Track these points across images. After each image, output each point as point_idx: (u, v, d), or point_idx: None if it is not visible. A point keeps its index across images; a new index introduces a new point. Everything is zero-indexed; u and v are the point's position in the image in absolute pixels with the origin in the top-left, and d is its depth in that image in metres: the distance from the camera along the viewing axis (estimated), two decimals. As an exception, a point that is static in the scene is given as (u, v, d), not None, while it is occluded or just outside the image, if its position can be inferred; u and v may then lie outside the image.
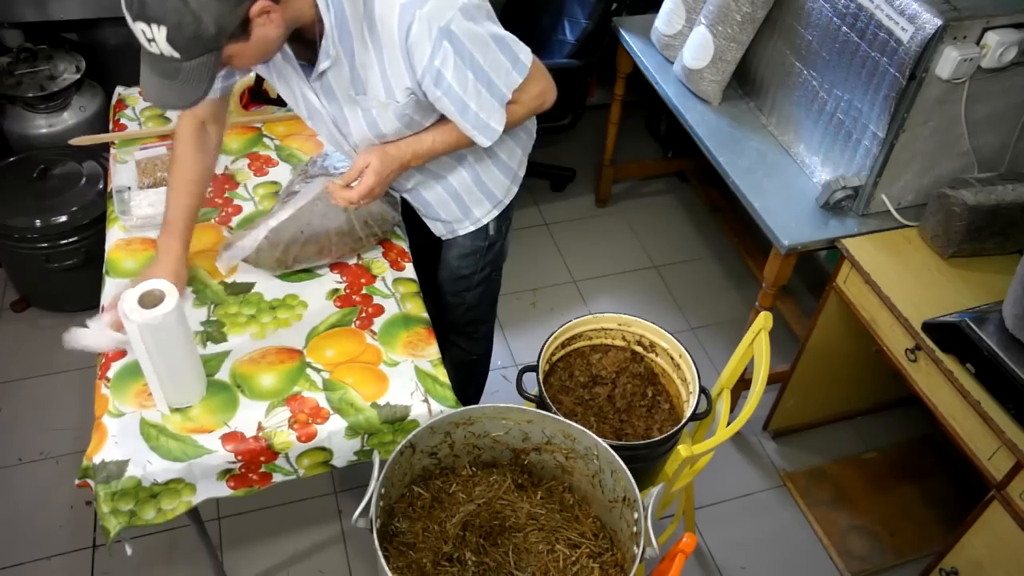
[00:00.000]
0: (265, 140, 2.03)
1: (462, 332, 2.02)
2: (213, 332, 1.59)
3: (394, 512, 1.50)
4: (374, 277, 1.73)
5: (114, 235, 1.77)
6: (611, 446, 1.45)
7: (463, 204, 1.71)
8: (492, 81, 1.40)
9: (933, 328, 1.69)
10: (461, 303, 1.92)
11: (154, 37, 1.17)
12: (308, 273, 1.71)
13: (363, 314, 1.65)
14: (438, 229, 1.79)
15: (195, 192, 1.60)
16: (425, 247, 1.90)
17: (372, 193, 1.47)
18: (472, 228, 1.76)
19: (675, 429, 1.68)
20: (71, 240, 2.42)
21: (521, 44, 1.45)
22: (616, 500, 1.47)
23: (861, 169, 1.95)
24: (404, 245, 1.81)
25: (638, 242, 3.07)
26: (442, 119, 1.50)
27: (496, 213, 1.75)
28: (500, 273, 1.94)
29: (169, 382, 1.42)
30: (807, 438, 2.46)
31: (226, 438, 1.42)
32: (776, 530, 2.24)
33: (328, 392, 1.50)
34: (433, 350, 1.60)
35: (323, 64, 1.38)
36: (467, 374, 2.14)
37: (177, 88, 1.24)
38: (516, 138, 1.69)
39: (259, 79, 1.98)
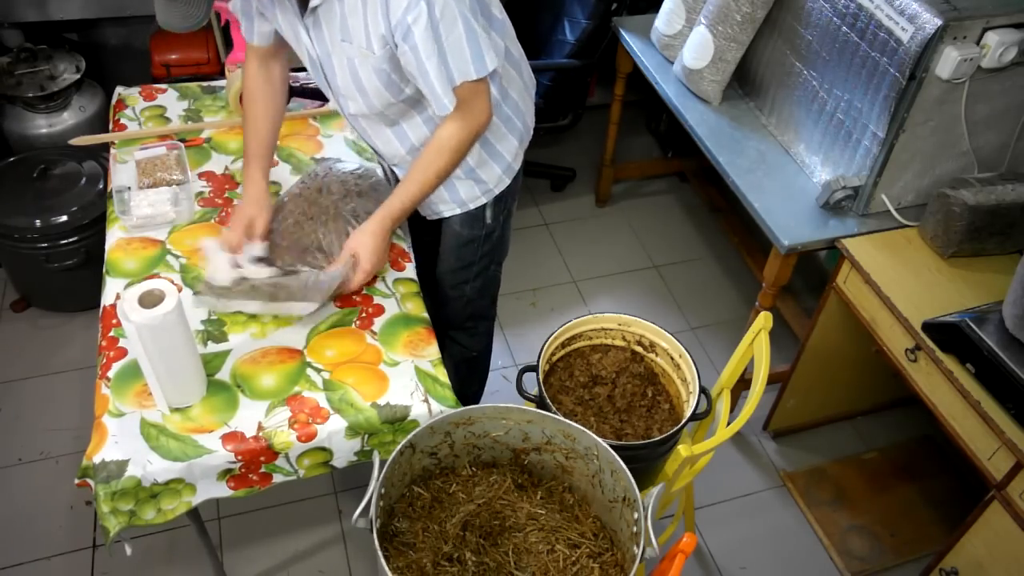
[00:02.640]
0: (265, 140, 2.02)
1: (462, 328, 2.02)
2: (213, 331, 1.59)
3: (394, 512, 1.50)
4: (375, 277, 1.73)
5: (114, 235, 1.77)
6: (611, 446, 1.45)
7: (448, 182, 1.70)
8: (447, 59, 1.42)
9: (933, 328, 1.69)
10: (460, 296, 1.92)
11: None
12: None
13: (363, 314, 1.65)
14: (423, 208, 1.79)
15: (269, 123, 1.73)
16: (426, 242, 1.90)
17: (374, 271, 1.64)
18: (459, 211, 1.76)
19: (675, 429, 1.67)
20: (71, 240, 2.42)
21: (492, 52, 1.47)
22: (616, 500, 1.47)
23: (861, 169, 1.95)
24: (404, 245, 1.82)
25: (638, 242, 3.07)
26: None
27: (484, 200, 1.74)
28: (500, 268, 1.95)
29: (169, 382, 1.42)
30: (807, 438, 2.46)
31: (226, 438, 1.42)
32: (776, 530, 2.24)
33: (328, 392, 1.50)
34: (433, 350, 1.60)
35: (314, 1, 1.42)
36: (468, 371, 2.14)
37: (180, 9, 1.37)
38: (510, 125, 1.68)
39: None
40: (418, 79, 1.46)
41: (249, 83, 1.71)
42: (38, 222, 2.37)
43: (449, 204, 1.75)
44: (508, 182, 1.75)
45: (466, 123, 1.53)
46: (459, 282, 1.90)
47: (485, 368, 2.21)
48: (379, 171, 1.88)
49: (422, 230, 1.89)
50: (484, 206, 1.76)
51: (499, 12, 1.58)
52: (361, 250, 1.60)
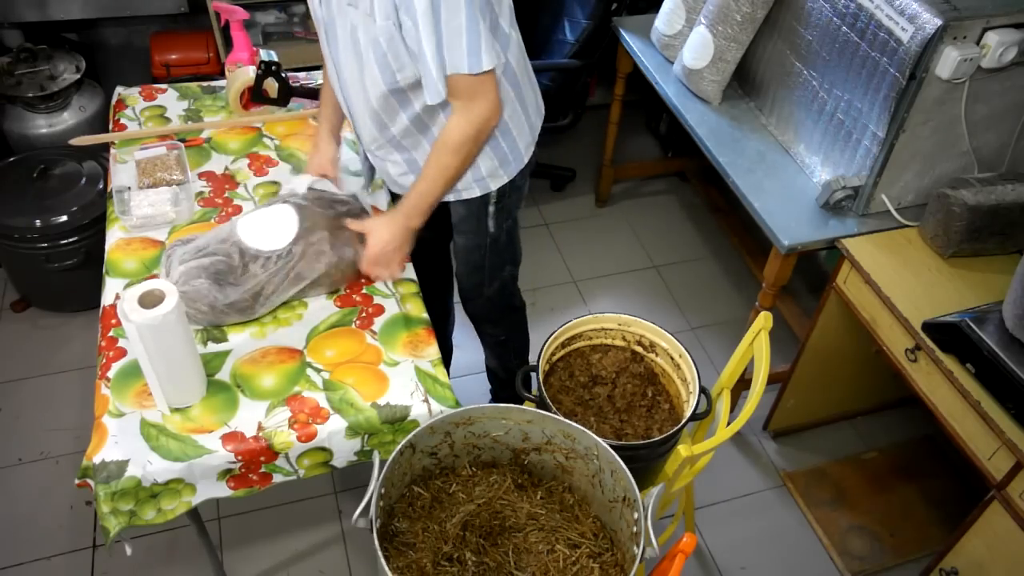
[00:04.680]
0: (265, 140, 2.03)
1: (487, 320, 2.07)
2: (213, 331, 1.59)
3: (394, 512, 1.50)
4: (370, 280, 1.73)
5: (114, 235, 1.77)
6: (611, 446, 1.45)
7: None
8: (441, 46, 1.42)
9: (933, 328, 1.69)
10: (480, 296, 1.96)
11: None
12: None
13: (363, 314, 1.65)
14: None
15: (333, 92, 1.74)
16: (425, 252, 1.92)
17: (378, 264, 1.67)
18: (451, 197, 1.74)
19: (675, 429, 1.67)
20: (71, 240, 2.42)
21: (492, 51, 1.46)
22: (616, 500, 1.47)
23: (861, 169, 1.95)
24: (404, 245, 1.82)
25: (638, 242, 3.07)
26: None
27: (478, 191, 1.73)
28: (516, 268, 1.97)
29: (169, 382, 1.42)
30: (807, 438, 2.47)
31: (226, 438, 1.42)
32: (776, 530, 2.24)
33: (328, 392, 1.50)
34: (433, 350, 1.60)
35: None
36: (503, 351, 2.18)
37: None
38: (499, 139, 1.68)
39: (258, 80, 1.98)
40: (416, 59, 1.45)
41: None
42: (38, 222, 2.37)
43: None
44: (495, 186, 1.73)
45: (469, 118, 1.52)
46: (476, 284, 1.93)
47: (521, 345, 2.23)
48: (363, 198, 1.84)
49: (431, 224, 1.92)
50: (483, 208, 1.76)
51: (508, 27, 1.57)
52: (371, 236, 1.64)
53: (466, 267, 1.90)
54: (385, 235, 1.64)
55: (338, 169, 1.84)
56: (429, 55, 1.42)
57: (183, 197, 1.81)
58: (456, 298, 2.08)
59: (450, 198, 1.75)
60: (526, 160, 1.76)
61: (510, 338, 2.16)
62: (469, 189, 1.73)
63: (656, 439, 1.67)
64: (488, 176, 1.72)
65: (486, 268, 1.88)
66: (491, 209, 1.77)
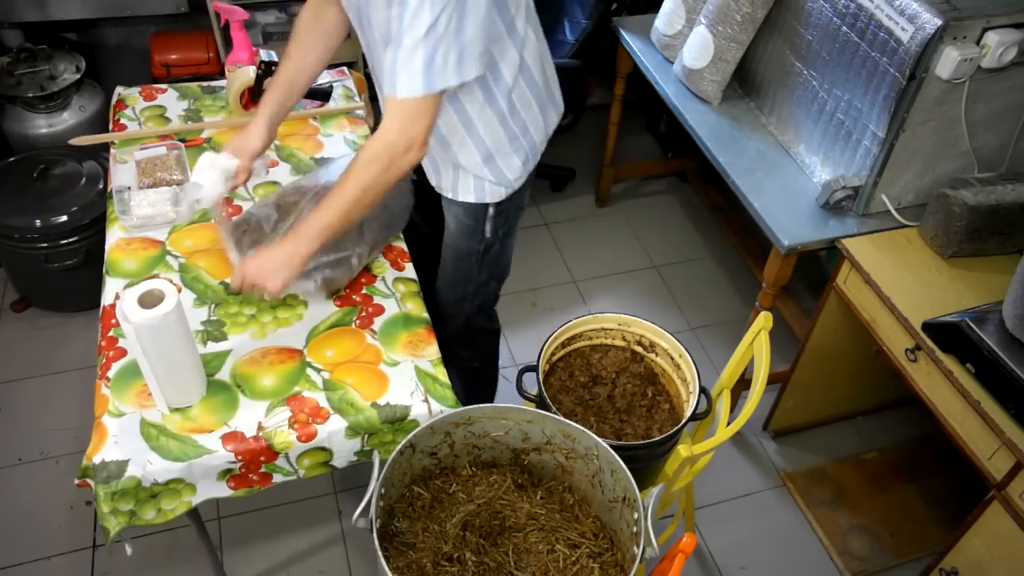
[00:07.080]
0: (265, 140, 2.02)
1: (462, 343, 2.00)
2: (213, 331, 1.59)
3: (394, 512, 1.50)
4: (374, 277, 1.73)
5: (114, 235, 1.77)
6: (611, 446, 1.45)
7: (452, 168, 1.65)
8: (435, 52, 1.31)
9: (933, 328, 1.69)
10: (459, 313, 1.90)
11: None
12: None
13: (363, 314, 1.65)
14: (429, 171, 1.74)
15: (293, 63, 1.67)
16: (426, 251, 1.90)
17: (254, 287, 1.50)
18: (449, 194, 1.69)
19: (675, 429, 1.67)
20: (71, 240, 2.42)
21: (474, 66, 1.36)
22: (616, 500, 1.47)
23: (861, 169, 1.95)
24: (404, 245, 1.82)
25: (638, 242, 3.07)
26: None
27: (474, 198, 1.67)
28: (499, 286, 1.93)
29: (169, 382, 1.42)
30: (807, 438, 2.47)
31: (226, 438, 1.42)
32: (776, 530, 2.24)
33: (328, 392, 1.50)
34: (433, 350, 1.60)
35: None
36: (473, 380, 2.13)
37: None
38: (515, 145, 1.62)
39: (258, 80, 1.98)
40: (392, 39, 1.35)
41: (298, 23, 1.66)
42: (38, 222, 2.37)
43: (449, 179, 1.67)
44: (505, 196, 1.68)
45: (393, 134, 1.39)
46: (457, 298, 1.87)
47: (491, 376, 2.20)
48: None
49: (423, 241, 1.90)
50: (483, 212, 1.70)
51: (524, 28, 1.48)
52: (250, 270, 1.49)
53: (452, 276, 1.83)
54: (270, 254, 1.49)
55: (253, 163, 1.66)
56: (407, 43, 1.31)
57: (183, 197, 1.81)
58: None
59: (448, 193, 1.69)
60: (531, 166, 1.69)
61: (483, 367, 2.12)
62: (467, 192, 1.67)
63: (656, 439, 1.67)
64: (495, 153, 1.61)
65: (472, 280, 1.82)
66: (491, 211, 1.70)
